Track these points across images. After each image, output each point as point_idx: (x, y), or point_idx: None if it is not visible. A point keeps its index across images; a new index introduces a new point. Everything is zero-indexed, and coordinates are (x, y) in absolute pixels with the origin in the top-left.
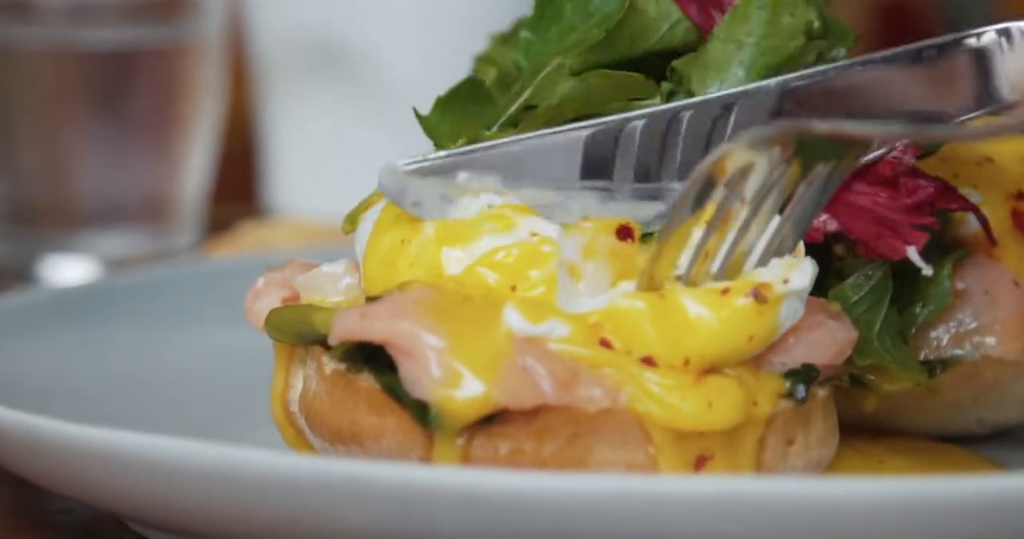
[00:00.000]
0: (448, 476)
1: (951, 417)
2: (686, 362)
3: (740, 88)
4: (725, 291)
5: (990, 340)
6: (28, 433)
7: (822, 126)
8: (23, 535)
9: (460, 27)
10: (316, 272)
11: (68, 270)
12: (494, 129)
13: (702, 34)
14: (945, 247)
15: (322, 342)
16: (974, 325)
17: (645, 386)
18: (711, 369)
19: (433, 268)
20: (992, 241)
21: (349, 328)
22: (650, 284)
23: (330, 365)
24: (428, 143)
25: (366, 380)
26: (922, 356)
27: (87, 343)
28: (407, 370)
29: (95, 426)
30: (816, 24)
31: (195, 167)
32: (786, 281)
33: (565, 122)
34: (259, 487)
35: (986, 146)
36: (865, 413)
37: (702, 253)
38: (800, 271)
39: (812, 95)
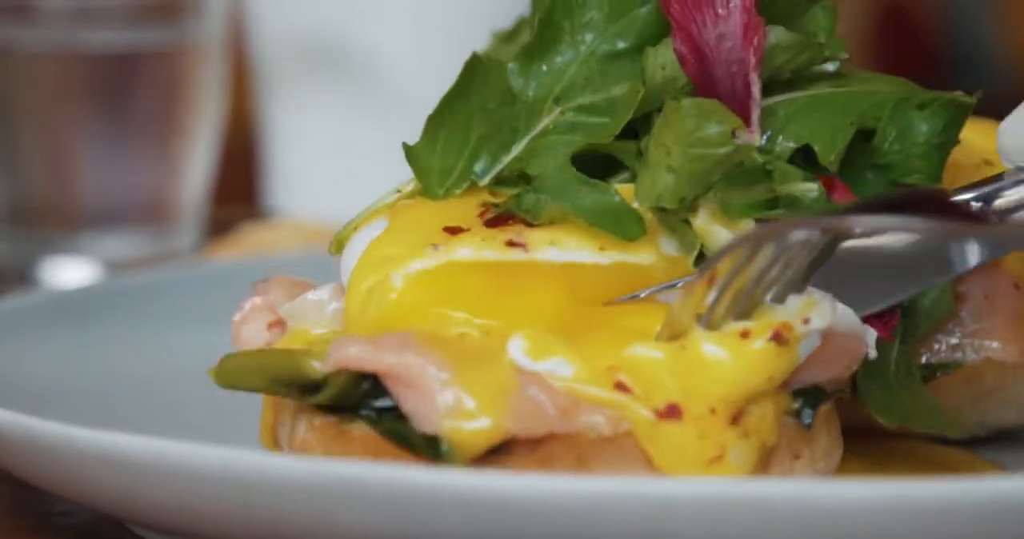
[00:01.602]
0: (445, 478)
1: (952, 419)
2: (712, 411)
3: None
4: (745, 334)
5: (990, 343)
6: (28, 435)
7: (829, 221)
8: (23, 537)
9: (461, 27)
10: (301, 300)
11: (69, 272)
12: (485, 180)
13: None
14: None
15: (301, 392)
16: (974, 328)
17: (660, 444)
18: (737, 414)
19: (402, 325)
20: None
21: (351, 355)
22: (671, 333)
23: (317, 418)
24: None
25: (360, 429)
26: (923, 360)
27: (88, 345)
28: (413, 405)
29: (95, 428)
30: (742, 134)
31: (196, 169)
32: (806, 321)
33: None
34: (258, 489)
35: (985, 149)
36: (865, 416)
37: (722, 296)
38: (820, 311)
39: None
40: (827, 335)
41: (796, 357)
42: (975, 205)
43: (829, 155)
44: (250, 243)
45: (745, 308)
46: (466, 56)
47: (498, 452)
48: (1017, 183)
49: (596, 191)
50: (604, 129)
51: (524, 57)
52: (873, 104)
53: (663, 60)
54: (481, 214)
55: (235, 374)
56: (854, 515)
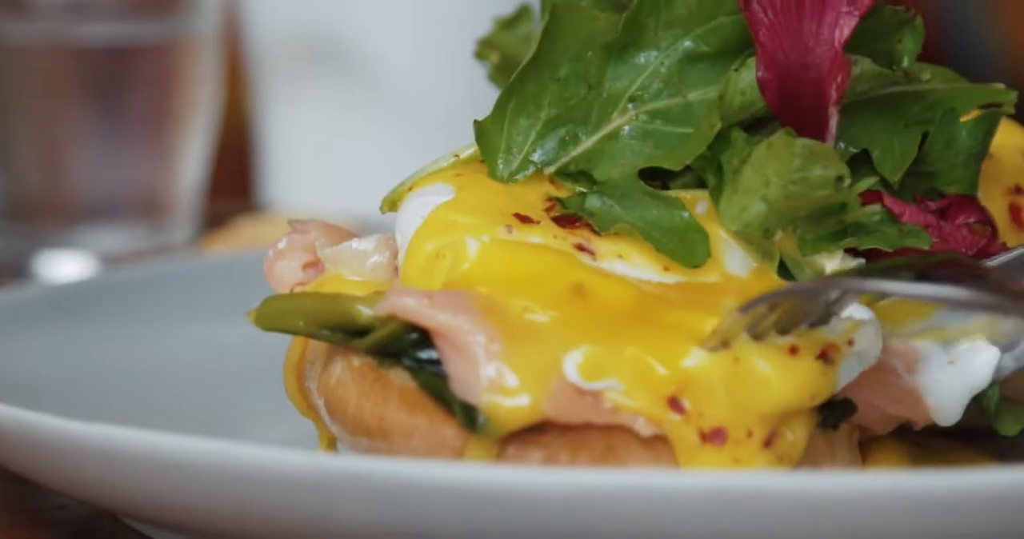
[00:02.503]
0: (442, 472)
1: None
2: (749, 434)
3: None
4: (793, 350)
5: None
6: (24, 429)
7: (864, 286)
8: (19, 531)
9: (457, 22)
10: (345, 247)
11: (64, 266)
12: (551, 169)
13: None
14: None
15: (345, 335)
16: None
17: (695, 464)
18: (771, 437)
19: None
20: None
21: (406, 306)
22: (721, 340)
23: (357, 359)
24: (422, 140)
25: (399, 376)
26: None
27: (83, 339)
28: (457, 370)
29: (91, 422)
30: (847, 180)
31: (191, 162)
32: (851, 343)
33: None
34: (254, 483)
35: None
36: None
37: (768, 309)
38: (864, 334)
39: None
40: (882, 367)
41: (837, 378)
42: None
43: (895, 172)
44: (245, 237)
45: (788, 323)
46: (462, 51)
47: (532, 430)
48: None
49: (663, 205)
50: (676, 152)
51: (604, 52)
52: (926, 105)
53: (744, 85)
54: (548, 209)
55: (276, 316)
56: (851, 507)
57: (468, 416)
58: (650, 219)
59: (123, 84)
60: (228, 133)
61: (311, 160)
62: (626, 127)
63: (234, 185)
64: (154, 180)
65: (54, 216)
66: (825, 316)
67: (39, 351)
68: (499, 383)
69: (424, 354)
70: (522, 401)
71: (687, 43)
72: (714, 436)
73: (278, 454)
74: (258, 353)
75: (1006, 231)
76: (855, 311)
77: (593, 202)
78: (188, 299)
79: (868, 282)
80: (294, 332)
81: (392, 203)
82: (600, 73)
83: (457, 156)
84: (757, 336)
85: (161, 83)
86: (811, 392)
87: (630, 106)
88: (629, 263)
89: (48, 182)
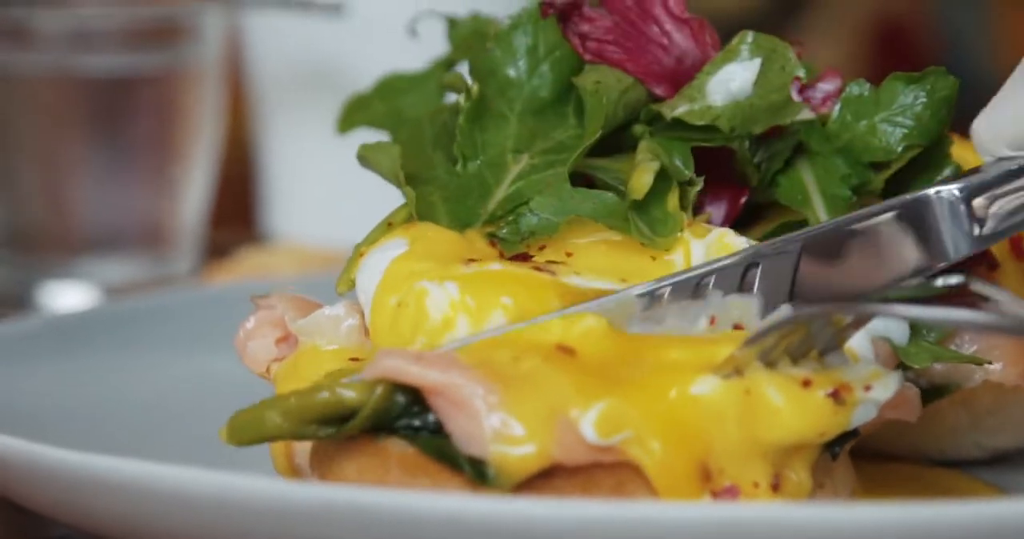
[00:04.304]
0: (446, 504)
1: (950, 441)
2: (755, 485)
3: (755, 250)
4: (806, 383)
5: (990, 365)
6: (25, 460)
7: (872, 308)
8: None
9: None
10: (317, 315)
11: (66, 296)
12: (478, 226)
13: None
14: (945, 271)
15: (332, 424)
16: (973, 350)
17: None
18: (776, 482)
19: (437, 335)
20: (992, 265)
21: (396, 368)
22: (733, 366)
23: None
24: None
25: (396, 445)
26: (923, 383)
27: (85, 369)
28: (459, 426)
29: (93, 452)
30: (804, 79)
31: (194, 193)
32: (868, 388)
33: None
34: (258, 514)
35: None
36: (863, 437)
37: (782, 337)
38: (884, 384)
39: (828, 249)
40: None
41: (849, 420)
42: (957, 195)
43: None
44: (247, 267)
45: (800, 348)
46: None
47: (540, 475)
48: (1002, 176)
49: (592, 196)
50: (579, 146)
51: (466, 123)
52: None
53: (594, 77)
54: (500, 254)
55: (251, 427)
56: (854, 537)
57: (477, 470)
58: (588, 210)
59: (126, 114)
60: (231, 163)
61: (314, 190)
62: (529, 168)
63: (237, 215)
64: (157, 210)
65: (57, 246)
66: (835, 342)
67: (41, 381)
68: (504, 433)
69: (417, 420)
70: (530, 449)
71: (529, 100)
72: (727, 493)
73: (281, 485)
74: (261, 383)
75: (1006, 260)
76: (862, 340)
77: (529, 221)
78: (191, 330)
79: (879, 306)
80: (279, 438)
81: (348, 282)
82: (471, 143)
83: (390, 224)
84: (770, 363)
85: (163, 113)
86: (820, 428)
87: (520, 156)
88: (586, 279)
89: (51, 212)
